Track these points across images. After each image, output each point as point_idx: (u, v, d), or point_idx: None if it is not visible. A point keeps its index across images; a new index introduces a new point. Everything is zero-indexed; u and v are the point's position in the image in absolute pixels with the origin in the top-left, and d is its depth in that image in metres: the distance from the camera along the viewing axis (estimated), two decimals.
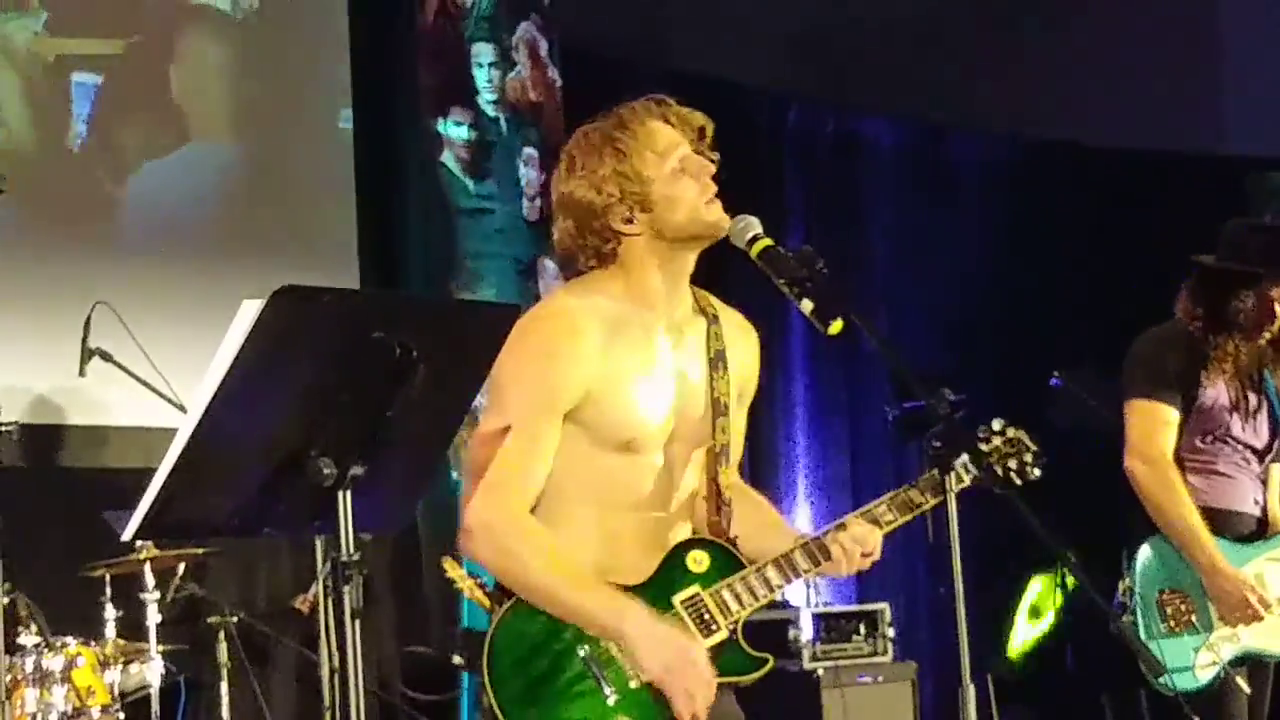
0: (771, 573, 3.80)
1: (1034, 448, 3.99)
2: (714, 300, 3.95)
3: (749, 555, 3.85)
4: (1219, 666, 5.26)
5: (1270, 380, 5.54)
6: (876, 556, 3.87)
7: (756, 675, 3.82)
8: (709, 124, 3.84)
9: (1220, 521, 5.39)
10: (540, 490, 3.69)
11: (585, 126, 3.83)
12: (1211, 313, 5.48)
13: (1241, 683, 5.27)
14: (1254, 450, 5.51)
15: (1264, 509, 5.52)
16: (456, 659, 3.59)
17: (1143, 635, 5.25)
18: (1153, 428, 5.42)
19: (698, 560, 3.80)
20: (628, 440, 3.73)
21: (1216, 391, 5.44)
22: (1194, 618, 5.30)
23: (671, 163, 3.75)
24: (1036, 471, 4.02)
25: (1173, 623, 5.28)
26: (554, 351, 3.66)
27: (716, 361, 3.86)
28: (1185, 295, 5.60)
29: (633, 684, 3.65)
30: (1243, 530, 5.45)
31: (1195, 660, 5.27)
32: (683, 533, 3.86)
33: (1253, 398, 5.50)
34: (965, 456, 3.86)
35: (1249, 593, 5.28)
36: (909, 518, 3.91)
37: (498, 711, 3.59)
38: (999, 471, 3.98)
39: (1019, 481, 4.01)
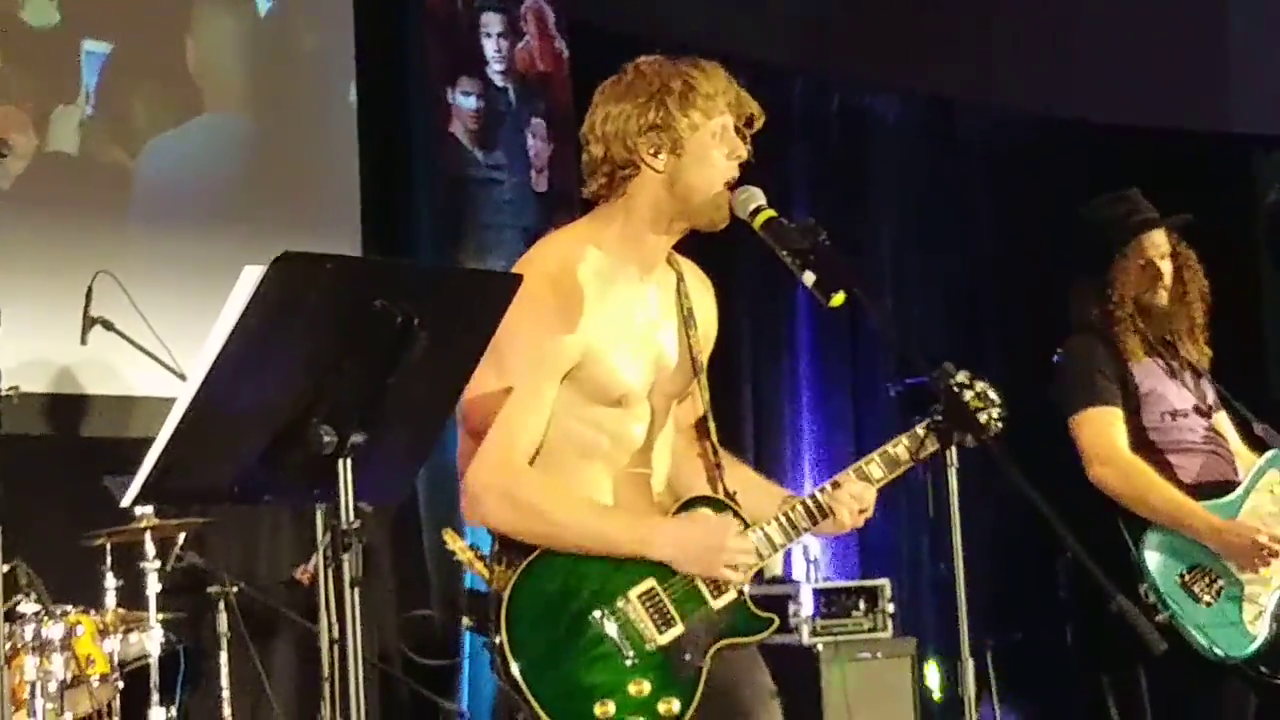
0: (774, 531, 3.84)
1: (999, 401, 3.98)
2: (675, 256, 3.98)
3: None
4: (1268, 614, 5.25)
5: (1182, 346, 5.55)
6: (870, 514, 3.91)
7: (763, 635, 3.88)
8: (760, 118, 3.87)
9: (1208, 494, 5.39)
10: (538, 448, 3.71)
11: (653, 57, 3.86)
12: (1105, 296, 5.50)
13: None
14: (1198, 411, 5.51)
15: (1234, 469, 5.53)
16: (466, 621, 3.59)
17: (1188, 624, 5.22)
18: (1101, 431, 5.43)
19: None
20: (619, 396, 3.77)
21: (1145, 371, 5.45)
22: (1221, 582, 5.28)
23: (714, 127, 3.79)
24: (1000, 425, 4.01)
25: (1206, 597, 5.26)
26: (556, 308, 3.70)
27: (689, 319, 3.91)
28: (1080, 297, 5.66)
29: (649, 646, 3.69)
30: (1212, 495, 5.42)
31: (1243, 616, 5.25)
32: (661, 486, 3.88)
33: (1174, 361, 5.52)
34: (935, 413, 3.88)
35: (1257, 535, 5.26)
36: (897, 474, 3.94)
37: (517, 675, 3.60)
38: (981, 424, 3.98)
39: (989, 435, 4.01)
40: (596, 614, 3.68)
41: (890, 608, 8.33)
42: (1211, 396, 5.62)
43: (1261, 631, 5.25)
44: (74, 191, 7.45)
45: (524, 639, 3.63)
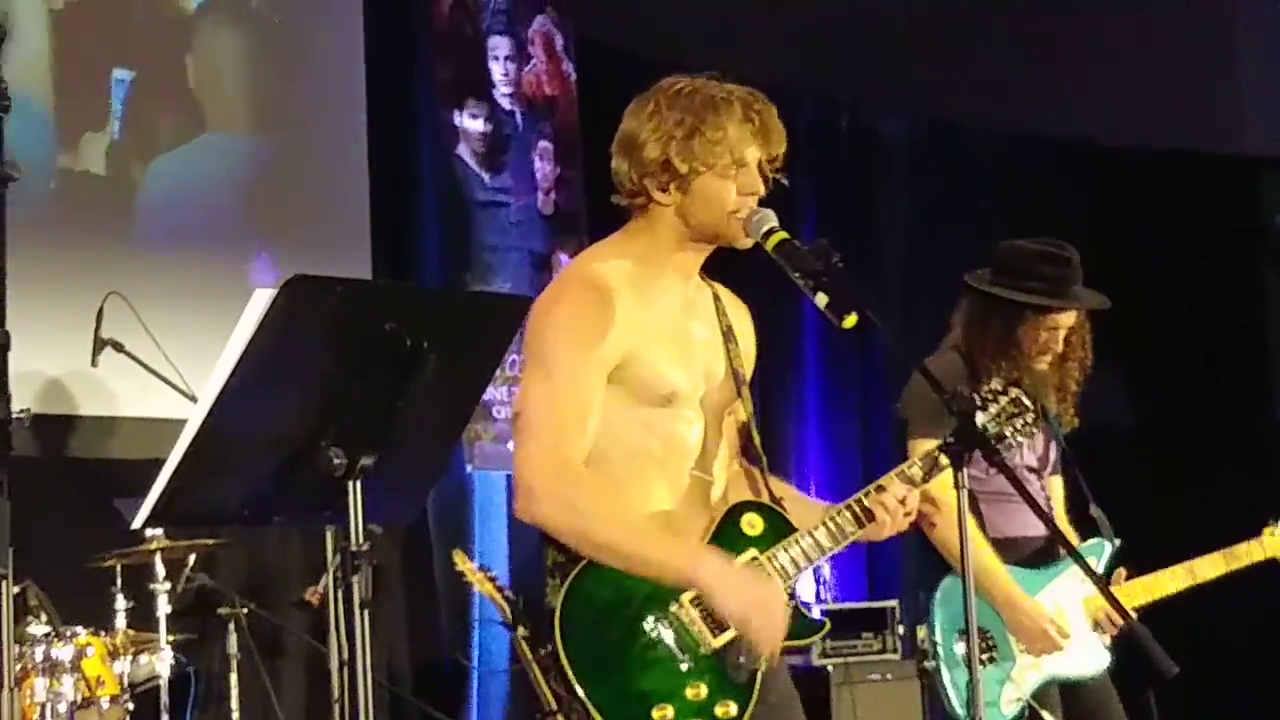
0: (822, 535, 3.85)
1: (1032, 407, 4.02)
2: (708, 279, 4.00)
3: None
4: (1022, 702, 5.20)
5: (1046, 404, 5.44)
6: (914, 516, 3.91)
7: (816, 638, 3.94)
8: (783, 147, 3.87)
9: (1013, 549, 5.30)
10: (589, 449, 3.71)
11: (683, 82, 3.84)
12: (1000, 343, 5.37)
13: (1046, 715, 5.18)
14: (1031, 469, 5.45)
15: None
16: (521, 631, 3.59)
17: (947, 681, 5.21)
18: None
19: (752, 524, 3.85)
20: (668, 393, 3.78)
21: None
22: (995, 652, 5.24)
23: (729, 167, 3.79)
24: (1035, 431, 4.07)
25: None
26: (594, 311, 3.70)
27: (729, 335, 3.93)
28: (966, 319, 5.53)
29: (703, 650, 3.69)
30: (1033, 552, 5.35)
31: (1000, 695, 5.19)
32: (719, 496, 3.90)
33: None
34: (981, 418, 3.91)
35: (1046, 624, 5.19)
36: (936, 476, 3.93)
37: (575, 683, 3.60)
38: (1007, 435, 4.02)
39: (1022, 440, 4.06)
40: (650, 619, 3.68)
41: (900, 629, 8.32)
42: (1054, 458, 5.53)
43: (1010, 713, 5.19)
44: (88, 214, 7.48)
45: (579, 647, 3.62)
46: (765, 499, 3.93)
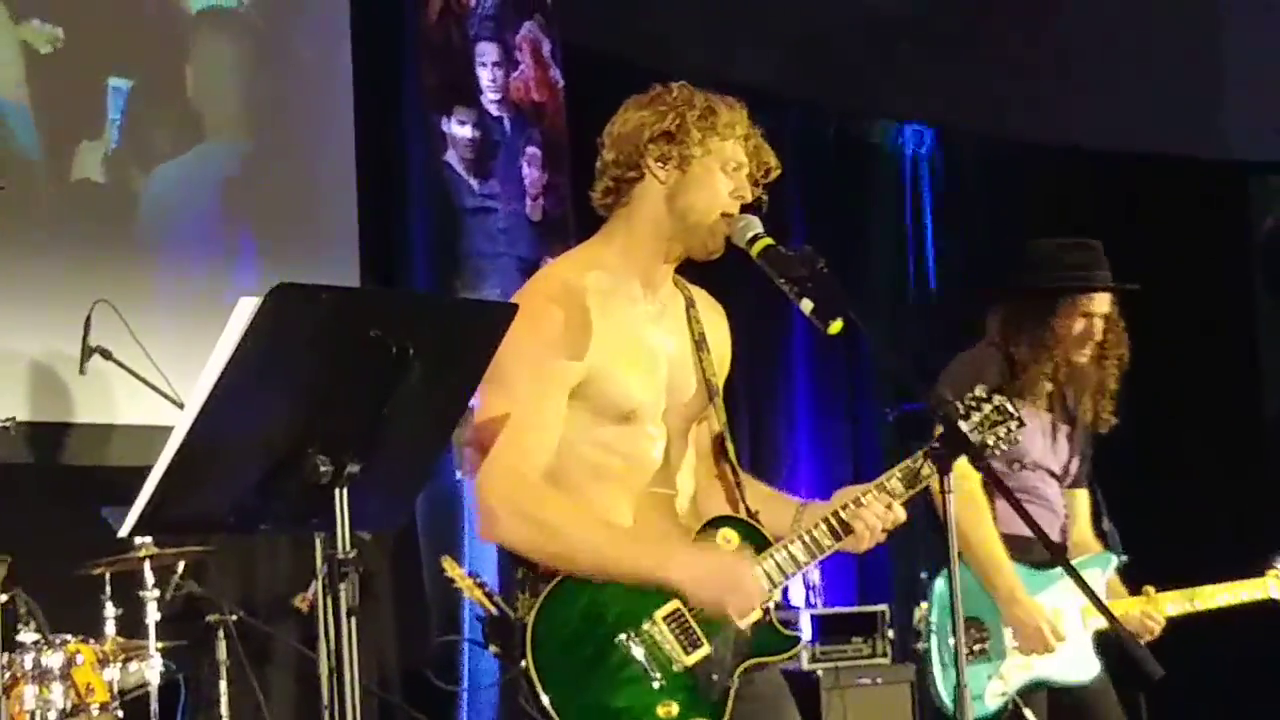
0: (798, 550, 3.84)
1: (1016, 414, 4.02)
2: (684, 282, 3.99)
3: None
4: (1007, 696, 5.22)
5: (1079, 405, 5.49)
6: (891, 527, 3.89)
7: (791, 654, 3.90)
8: (777, 171, 3.90)
9: (1023, 548, 5.32)
10: (548, 467, 3.71)
11: (688, 87, 3.89)
12: (1035, 336, 5.42)
13: (1029, 714, 5.21)
14: (1052, 473, 5.49)
15: (1063, 532, 5.48)
16: (492, 648, 3.59)
17: (935, 664, 5.23)
18: None
19: (727, 539, 3.86)
20: (628, 411, 3.77)
21: (1027, 417, 5.38)
22: (987, 645, 5.27)
23: (725, 157, 3.82)
24: (1020, 439, 4.06)
25: (967, 651, 5.22)
26: (556, 330, 3.71)
27: (701, 343, 3.93)
28: (1001, 319, 5.55)
29: (676, 668, 3.69)
30: (1042, 556, 5.37)
31: (986, 688, 5.24)
32: (686, 507, 3.88)
33: (1060, 422, 5.47)
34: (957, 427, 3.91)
35: (1043, 623, 5.24)
36: (917, 490, 3.92)
37: (546, 702, 3.60)
38: (989, 443, 4.01)
39: (1005, 449, 4.06)
40: (622, 637, 3.68)
41: (890, 634, 8.32)
42: (1077, 470, 5.59)
43: (993, 707, 5.24)
44: (85, 222, 7.47)
45: (551, 665, 3.62)
46: (741, 512, 3.93)
